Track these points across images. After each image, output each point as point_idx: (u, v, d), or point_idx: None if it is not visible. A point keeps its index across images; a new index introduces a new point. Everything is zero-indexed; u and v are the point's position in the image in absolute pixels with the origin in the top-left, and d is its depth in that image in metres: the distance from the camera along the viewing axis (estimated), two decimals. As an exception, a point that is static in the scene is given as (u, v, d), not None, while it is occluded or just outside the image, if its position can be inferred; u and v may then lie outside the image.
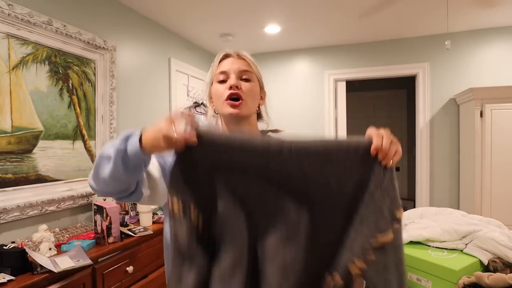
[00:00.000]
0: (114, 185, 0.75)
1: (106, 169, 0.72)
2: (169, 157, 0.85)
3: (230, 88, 0.87)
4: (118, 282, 1.64)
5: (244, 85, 0.88)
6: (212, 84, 0.93)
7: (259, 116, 0.99)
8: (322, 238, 0.68)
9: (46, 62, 1.77)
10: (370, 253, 0.64)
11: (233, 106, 0.87)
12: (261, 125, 1.00)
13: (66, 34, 1.86)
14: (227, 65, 0.90)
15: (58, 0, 1.86)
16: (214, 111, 0.95)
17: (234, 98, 0.87)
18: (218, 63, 0.92)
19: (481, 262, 1.46)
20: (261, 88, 0.95)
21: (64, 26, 1.84)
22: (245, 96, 0.88)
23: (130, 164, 0.71)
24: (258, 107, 0.96)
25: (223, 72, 0.89)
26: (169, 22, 2.77)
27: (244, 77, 0.89)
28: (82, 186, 1.97)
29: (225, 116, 0.91)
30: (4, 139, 1.57)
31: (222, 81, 0.90)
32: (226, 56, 0.92)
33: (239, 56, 0.91)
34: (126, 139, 0.71)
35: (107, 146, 0.75)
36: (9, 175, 1.59)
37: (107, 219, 1.62)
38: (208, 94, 0.96)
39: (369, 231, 0.65)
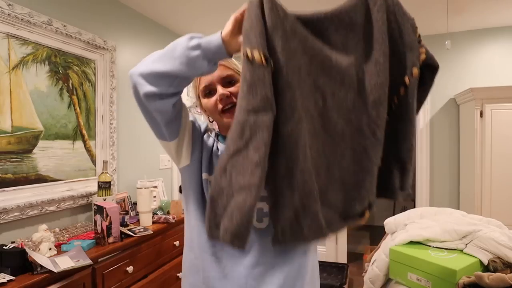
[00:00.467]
0: (168, 81, 0.72)
1: (171, 58, 0.70)
2: (203, 125, 0.94)
3: (221, 100, 0.85)
4: (118, 282, 1.64)
5: (232, 89, 0.85)
6: (199, 98, 0.92)
7: None
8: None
9: (46, 62, 1.77)
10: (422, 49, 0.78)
11: (230, 116, 0.84)
12: None
13: (66, 34, 1.86)
14: (207, 77, 0.86)
15: (58, 0, 1.86)
16: (209, 119, 0.97)
17: (228, 107, 0.86)
18: (197, 79, 0.90)
19: (481, 262, 1.46)
20: None
21: (64, 26, 1.84)
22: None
23: (210, 55, 0.69)
24: None
25: (206, 87, 0.88)
26: (169, 22, 2.77)
27: (228, 81, 0.87)
28: (82, 186, 1.97)
29: (226, 124, 0.88)
30: (4, 139, 1.57)
31: (209, 93, 0.88)
32: None
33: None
34: (198, 38, 0.70)
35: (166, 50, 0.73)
36: (9, 175, 1.59)
37: (107, 219, 1.62)
38: (199, 106, 0.95)
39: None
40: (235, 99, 0.84)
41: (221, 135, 0.95)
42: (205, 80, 0.88)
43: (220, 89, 0.86)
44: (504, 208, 2.59)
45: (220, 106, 0.86)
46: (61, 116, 1.86)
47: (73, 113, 1.94)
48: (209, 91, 0.88)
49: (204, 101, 0.90)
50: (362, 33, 0.74)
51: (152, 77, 0.72)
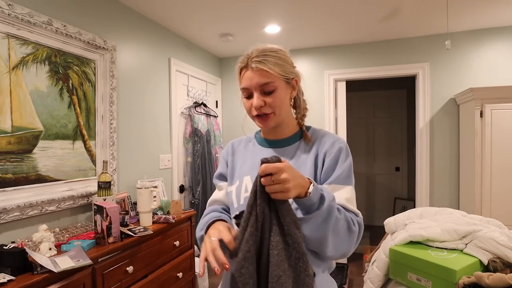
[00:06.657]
0: None
1: None
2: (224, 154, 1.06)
3: (255, 108, 0.88)
4: (118, 282, 1.64)
5: (268, 100, 0.87)
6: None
7: (295, 105, 0.99)
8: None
9: (46, 62, 1.77)
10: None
11: (261, 121, 0.90)
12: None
13: (66, 34, 1.86)
14: (247, 81, 0.88)
15: (58, 0, 1.86)
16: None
17: (261, 114, 0.89)
18: (239, 75, 0.92)
19: (481, 262, 1.45)
20: (288, 81, 0.91)
21: (64, 26, 1.84)
22: (272, 109, 0.88)
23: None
24: (294, 98, 0.97)
25: (245, 89, 0.89)
26: (169, 22, 2.77)
27: (266, 90, 0.87)
28: (82, 186, 1.98)
29: (259, 127, 0.95)
30: (4, 139, 1.57)
31: (248, 96, 0.90)
32: (244, 68, 0.89)
33: (256, 68, 0.86)
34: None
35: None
36: (9, 175, 1.59)
37: (107, 219, 1.62)
38: (241, 100, 0.97)
39: None
40: (269, 109, 0.88)
41: (260, 138, 1.01)
42: (244, 82, 0.89)
43: (256, 98, 0.87)
44: (504, 208, 2.59)
45: (254, 112, 0.89)
46: (61, 116, 1.86)
47: (73, 113, 1.94)
48: (247, 94, 0.90)
49: (243, 100, 0.93)
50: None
51: None
